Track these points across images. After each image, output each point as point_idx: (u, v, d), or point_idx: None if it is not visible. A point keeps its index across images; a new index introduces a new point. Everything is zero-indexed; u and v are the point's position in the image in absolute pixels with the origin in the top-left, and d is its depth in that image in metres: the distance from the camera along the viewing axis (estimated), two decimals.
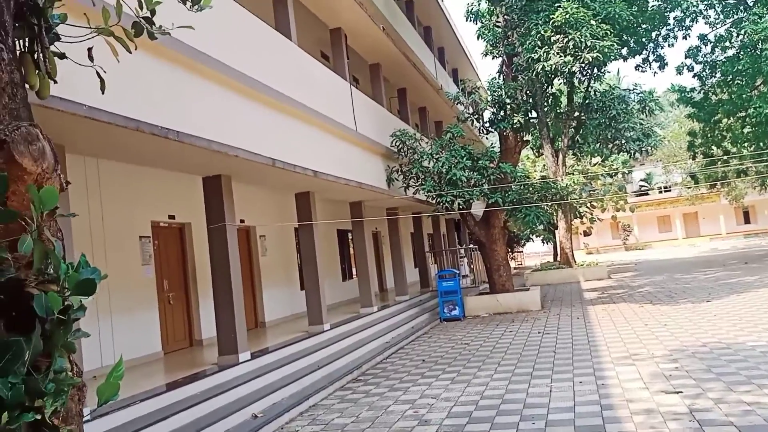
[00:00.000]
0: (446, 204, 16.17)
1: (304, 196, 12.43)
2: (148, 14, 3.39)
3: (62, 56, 3.24)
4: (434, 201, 16.68)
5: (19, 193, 2.40)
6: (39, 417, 2.11)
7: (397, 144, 16.27)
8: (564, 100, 23.50)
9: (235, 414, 7.03)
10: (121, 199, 9.61)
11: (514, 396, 7.55)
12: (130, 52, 3.30)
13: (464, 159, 16.10)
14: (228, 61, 8.03)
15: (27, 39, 3.04)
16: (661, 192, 60.07)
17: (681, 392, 6.88)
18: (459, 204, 16.33)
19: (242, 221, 12.44)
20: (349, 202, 15.73)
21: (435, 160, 16.23)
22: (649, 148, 19.41)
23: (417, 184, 16.40)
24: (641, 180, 61.07)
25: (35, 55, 3.09)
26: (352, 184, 12.94)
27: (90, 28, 3.26)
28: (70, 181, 2.72)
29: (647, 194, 60.47)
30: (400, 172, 16.19)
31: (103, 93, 3.42)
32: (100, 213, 8.98)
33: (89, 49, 3.34)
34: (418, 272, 22.91)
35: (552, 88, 20.62)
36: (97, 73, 3.39)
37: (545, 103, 20.62)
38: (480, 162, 16.53)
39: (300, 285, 15.48)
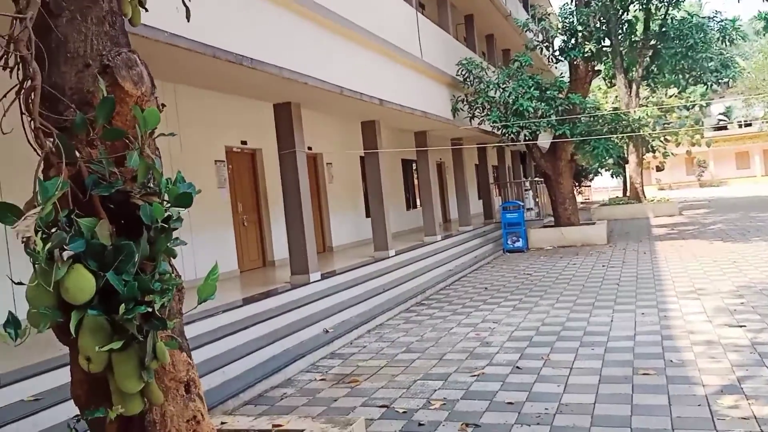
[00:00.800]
0: (512, 135, 16.01)
1: (370, 124, 12.58)
2: None
3: None
4: (499, 132, 16.52)
5: (123, 114, 2.64)
6: (150, 310, 2.40)
7: (463, 73, 16.07)
8: (640, 27, 22.41)
9: (307, 328, 7.50)
10: (197, 125, 10.01)
11: (574, 324, 7.71)
12: None
13: (532, 89, 15.78)
14: None
15: None
16: (741, 126, 57.06)
17: (744, 326, 6.88)
18: (525, 135, 16.15)
19: (310, 148, 12.74)
20: (414, 132, 15.79)
21: (501, 90, 15.98)
22: (728, 79, 18.48)
23: (482, 115, 16.26)
24: (720, 114, 58.11)
25: None
26: (417, 114, 12.97)
27: None
28: (165, 104, 2.95)
29: (726, 129, 57.59)
30: (465, 102, 16.05)
31: (188, 21, 3.61)
32: (178, 137, 9.41)
33: None
34: (481, 204, 22.95)
35: (628, 14, 19.68)
36: (183, 2, 3.58)
37: (619, 31, 19.75)
38: (548, 92, 16.17)
39: (365, 212, 15.86)
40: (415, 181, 20.15)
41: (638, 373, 5.56)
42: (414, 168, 19.89)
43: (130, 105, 2.62)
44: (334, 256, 13.16)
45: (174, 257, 2.77)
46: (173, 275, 2.69)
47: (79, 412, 2.63)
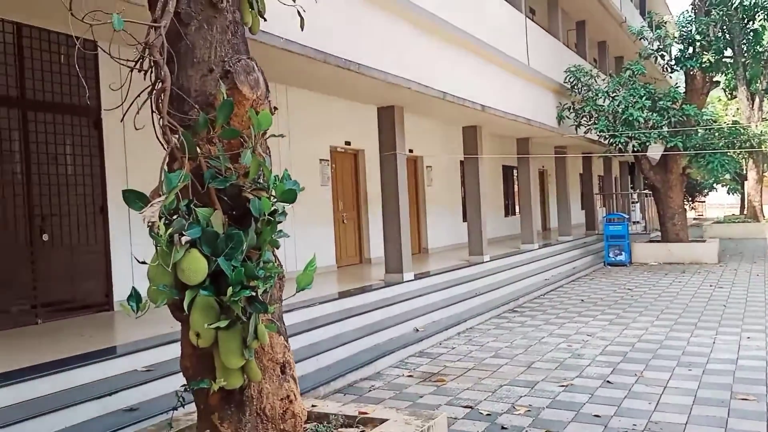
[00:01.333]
0: (619, 145, 15.53)
1: (471, 129, 12.61)
2: None
3: None
4: (607, 141, 16.06)
5: (239, 116, 2.90)
6: (253, 294, 2.64)
7: (571, 80, 15.76)
8: (767, 37, 20.98)
9: (399, 325, 7.70)
10: (305, 124, 10.46)
11: (673, 343, 7.45)
12: None
13: (643, 99, 15.24)
14: None
15: None
16: None
17: None
18: (633, 146, 15.62)
19: (411, 151, 12.95)
20: (517, 138, 15.65)
21: (611, 99, 15.54)
22: None
23: (589, 123, 15.88)
24: None
25: None
26: (520, 120, 12.87)
27: None
28: (277, 107, 3.20)
29: None
30: (572, 110, 15.74)
31: (302, 30, 3.86)
32: (287, 136, 9.88)
33: None
34: (584, 214, 22.35)
35: (753, 23, 18.52)
36: (298, 12, 3.83)
37: (743, 41, 18.62)
38: (660, 102, 15.54)
39: (462, 216, 15.90)
40: (515, 188, 19.95)
41: (736, 397, 5.33)
42: (515, 174, 19.68)
43: (246, 107, 2.88)
44: (429, 258, 13.31)
45: (277, 248, 3.01)
46: (276, 264, 2.92)
47: (186, 383, 2.91)
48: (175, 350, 5.17)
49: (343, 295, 8.07)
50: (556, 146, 18.30)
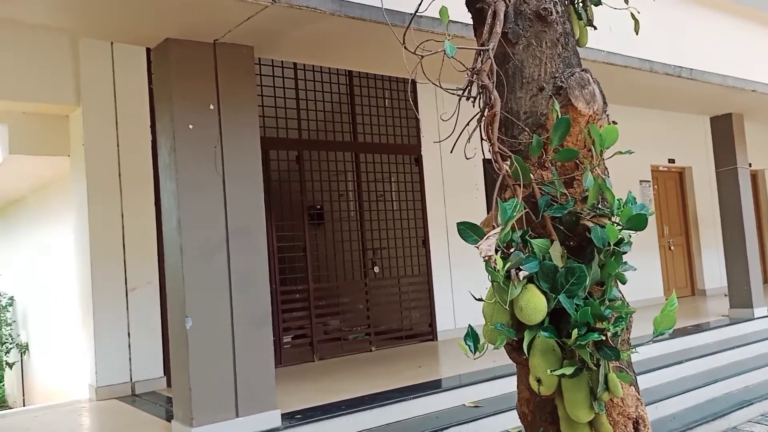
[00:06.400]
0: None
1: None
2: None
3: (597, 3, 3.35)
4: None
5: (573, 135, 2.59)
6: (602, 338, 2.28)
7: None
8: None
9: (754, 371, 6.51)
10: (622, 143, 9.70)
11: None
12: None
13: None
14: None
15: None
16: None
17: None
18: None
19: (750, 164, 11.25)
20: None
21: None
22: None
23: None
24: None
25: (575, 4, 3.29)
26: None
27: None
28: (616, 121, 2.82)
29: None
30: None
31: (637, 34, 3.45)
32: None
33: None
34: None
35: None
36: (632, 15, 3.42)
37: None
38: None
39: None
40: None
41: None
42: None
43: (582, 125, 2.58)
44: None
45: (624, 283, 2.62)
46: (624, 303, 2.53)
47: (522, 427, 2.67)
48: (498, 387, 5.07)
49: (677, 333, 7.13)
50: None
